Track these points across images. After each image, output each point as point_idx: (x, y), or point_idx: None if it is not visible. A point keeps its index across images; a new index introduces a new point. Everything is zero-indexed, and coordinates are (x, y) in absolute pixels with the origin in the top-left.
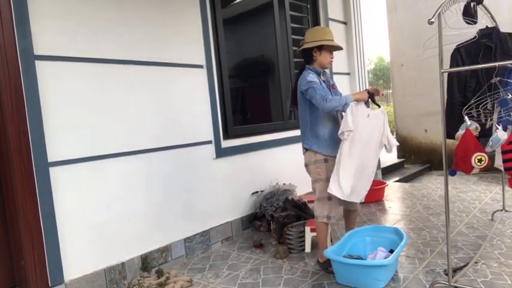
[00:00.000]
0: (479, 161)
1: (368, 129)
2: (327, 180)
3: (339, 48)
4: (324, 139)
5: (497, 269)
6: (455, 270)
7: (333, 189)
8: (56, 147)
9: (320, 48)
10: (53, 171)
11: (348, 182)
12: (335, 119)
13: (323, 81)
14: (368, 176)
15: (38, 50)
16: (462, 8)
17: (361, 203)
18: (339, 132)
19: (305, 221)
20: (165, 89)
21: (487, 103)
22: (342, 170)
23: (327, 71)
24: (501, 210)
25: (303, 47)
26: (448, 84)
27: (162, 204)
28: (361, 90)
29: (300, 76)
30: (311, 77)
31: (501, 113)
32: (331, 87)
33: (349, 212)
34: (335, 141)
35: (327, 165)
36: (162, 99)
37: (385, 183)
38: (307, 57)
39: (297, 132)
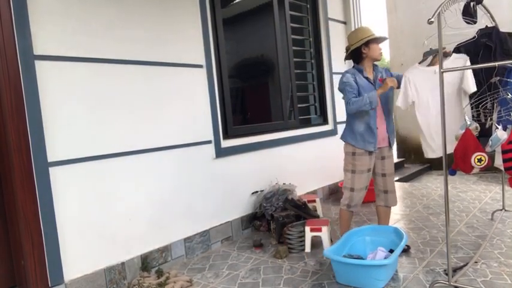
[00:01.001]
0: (479, 160)
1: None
2: (352, 172)
3: (384, 38)
4: (359, 133)
5: (497, 269)
6: (455, 270)
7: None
8: (56, 147)
9: (367, 44)
10: (53, 171)
11: (433, 139)
12: (372, 116)
13: (366, 77)
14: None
15: (38, 49)
16: (462, 8)
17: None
18: (402, 106)
19: (305, 221)
20: (165, 88)
21: (486, 103)
22: (425, 133)
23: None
24: (501, 209)
25: (353, 48)
26: None
27: (162, 204)
28: None
29: (340, 81)
30: (346, 77)
31: (501, 112)
32: (378, 81)
33: (385, 209)
34: (369, 137)
35: (354, 158)
36: (162, 99)
37: None
38: (356, 57)
39: (296, 132)
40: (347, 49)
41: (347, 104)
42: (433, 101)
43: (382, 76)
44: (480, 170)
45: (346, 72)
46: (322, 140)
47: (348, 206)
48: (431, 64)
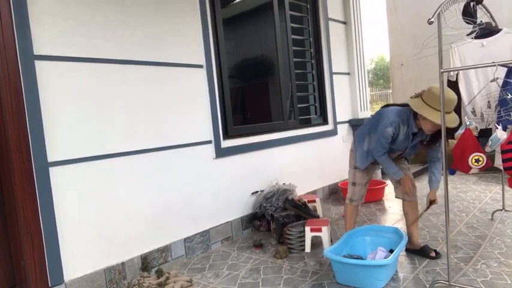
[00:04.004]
0: (477, 161)
1: (489, 58)
2: (355, 168)
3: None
4: (360, 152)
5: (497, 269)
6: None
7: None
8: (56, 147)
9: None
10: (53, 171)
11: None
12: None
13: (413, 133)
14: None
15: (38, 50)
16: (462, 8)
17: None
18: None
19: (305, 221)
20: (165, 89)
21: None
22: (466, 102)
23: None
24: (501, 209)
25: (413, 103)
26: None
27: (162, 204)
28: (362, 91)
29: (384, 114)
30: (388, 131)
31: (501, 112)
32: (419, 142)
33: (407, 204)
34: (370, 158)
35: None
36: (162, 99)
37: (385, 183)
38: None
39: (296, 132)
40: (418, 95)
41: (377, 151)
42: (478, 71)
43: (425, 139)
44: (480, 170)
45: (393, 122)
46: (322, 140)
47: (350, 200)
48: (480, 37)
